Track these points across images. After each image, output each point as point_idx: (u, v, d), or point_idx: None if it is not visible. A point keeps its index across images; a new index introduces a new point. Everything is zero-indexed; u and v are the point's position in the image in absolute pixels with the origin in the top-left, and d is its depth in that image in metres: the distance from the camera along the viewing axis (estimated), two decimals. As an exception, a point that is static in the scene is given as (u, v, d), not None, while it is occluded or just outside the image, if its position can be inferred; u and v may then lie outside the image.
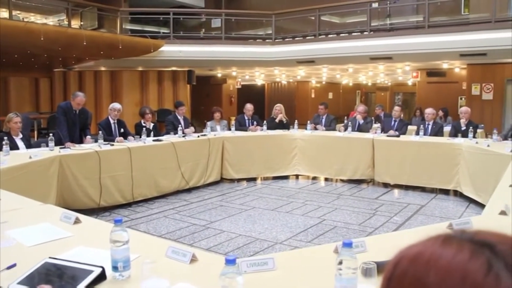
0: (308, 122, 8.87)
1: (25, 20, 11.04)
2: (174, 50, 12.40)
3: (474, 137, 7.43)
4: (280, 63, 13.44)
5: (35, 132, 11.24)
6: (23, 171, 4.91)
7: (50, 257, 1.91)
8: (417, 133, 7.88)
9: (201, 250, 4.08)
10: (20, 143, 6.08)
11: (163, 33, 13.51)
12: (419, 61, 12.66)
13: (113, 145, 6.46)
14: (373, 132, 8.28)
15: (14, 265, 1.94)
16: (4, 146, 5.54)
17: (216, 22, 14.05)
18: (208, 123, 8.65)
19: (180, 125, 7.83)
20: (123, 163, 6.32)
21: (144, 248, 2.19)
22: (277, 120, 8.91)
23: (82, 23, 12.77)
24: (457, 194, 7.05)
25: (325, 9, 13.07)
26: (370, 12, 11.97)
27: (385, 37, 11.47)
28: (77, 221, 2.61)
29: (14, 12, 10.72)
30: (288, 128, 8.88)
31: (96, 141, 6.55)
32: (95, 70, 14.14)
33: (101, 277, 1.78)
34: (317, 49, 12.16)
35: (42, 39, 9.19)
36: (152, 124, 7.83)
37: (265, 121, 8.78)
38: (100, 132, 6.70)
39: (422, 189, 7.41)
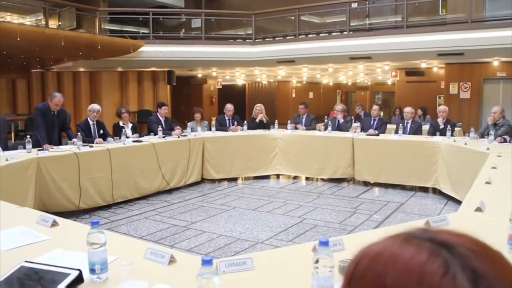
0: (289, 121, 8.90)
1: (1, 19, 10.86)
2: (153, 51, 12.34)
3: (452, 135, 7.55)
4: (260, 63, 13.47)
5: (12, 134, 11.07)
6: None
7: (26, 261, 1.88)
8: (396, 132, 7.96)
9: (181, 251, 4.07)
10: (-3, 146, 5.98)
11: (143, 33, 13.42)
12: (398, 61, 12.81)
13: (92, 146, 6.39)
14: (352, 131, 8.34)
15: (-11, 270, 1.91)
16: (-20, 149, 5.44)
17: (196, 22, 14.02)
18: (189, 123, 8.61)
19: (160, 126, 7.77)
20: (102, 165, 6.25)
21: (123, 250, 2.17)
22: (257, 120, 8.92)
23: (60, 23, 12.60)
24: (436, 191, 7.15)
25: (305, 9, 13.15)
26: (349, 12, 12.07)
27: (364, 37, 11.58)
28: (54, 224, 2.58)
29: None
30: (268, 128, 8.90)
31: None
32: (73, 71, 13.99)
33: (78, 280, 1.76)
34: (297, 49, 12.21)
35: (18, 39, 9.06)
36: (131, 125, 7.77)
37: (245, 121, 8.79)
38: (79, 133, 6.63)
39: (402, 187, 7.51)
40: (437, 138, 7.32)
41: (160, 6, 15.46)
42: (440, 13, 11.88)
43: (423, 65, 13.52)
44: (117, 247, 2.14)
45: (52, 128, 6.60)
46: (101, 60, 12.30)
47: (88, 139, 6.73)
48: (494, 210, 2.78)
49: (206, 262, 1.44)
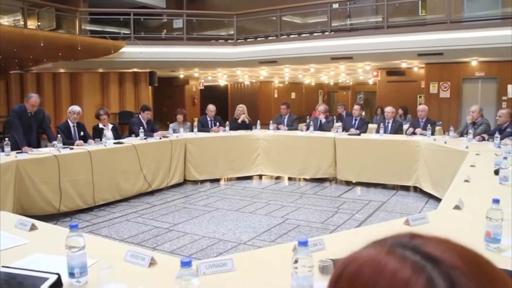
0: (271, 122, 8.91)
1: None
2: (135, 51, 12.26)
3: (432, 134, 7.64)
4: (242, 63, 13.46)
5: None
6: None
7: (3, 266, 1.85)
8: (378, 131, 8.03)
9: (163, 253, 4.05)
10: (-26, 148, 5.88)
11: (124, 34, 13.32)
12: (379, 61, 12.91)
13: (72, 148, 6.33)
14: (334, 131, 8.40)
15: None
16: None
17: (178, 23, 13.95)
18: (171, 125, 8.57)
19: (142, 127, 7.71)
20: (83, 167, 6.19)
21: (103, 253, 2.15)
22: (239, 121, 8.93)
23: (39, 23, 12.43)
24: (417, 190, 7.24)
25: (287, 10, 13.20)
26: (330, 12, 12.14)
27: (346, 37, 11.66)
28: (33, 227, 2.54)
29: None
30: (250, 129, 8.91)
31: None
32: (53, 72, 13.82)
33: (57, 284, 1.74)
34: (279, 49, 12.25)
35: (-4, 40, 8.92)
36: (111, 126, 7.70)
37: (227, 122, 8.78)
38: (59, 135, 6.55)
39: (384, 186, 7.59)
40: (418, 137, 7.41)
41: (142, 7, 15.36)
42: (420, 14, 12.03)
43: (404, 65, 13.65)
44: (98, 250, 2.12)
45: (30, 130, 6.51)
46: (81, 61, 12.16)
47: (68, 141, 6.65)
48: (472, 208, 2.82)
49: (185, 264, 1.44)
